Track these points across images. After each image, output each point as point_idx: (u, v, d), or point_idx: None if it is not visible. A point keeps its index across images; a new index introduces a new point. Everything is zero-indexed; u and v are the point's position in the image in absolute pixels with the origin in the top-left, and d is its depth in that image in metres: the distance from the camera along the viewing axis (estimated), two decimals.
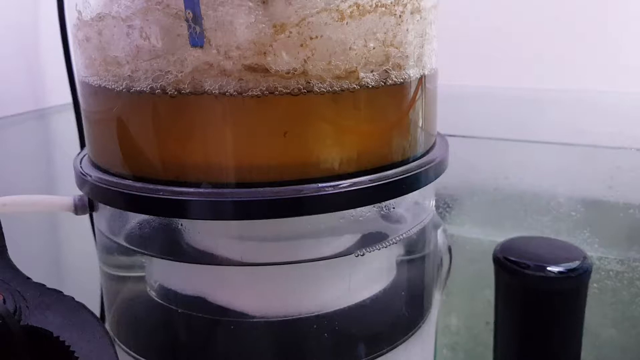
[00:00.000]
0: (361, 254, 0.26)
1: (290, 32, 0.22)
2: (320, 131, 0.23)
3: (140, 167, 0.24)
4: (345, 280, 0.27)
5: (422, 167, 0.26)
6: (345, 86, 0.23)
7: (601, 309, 0.47)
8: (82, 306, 0.23)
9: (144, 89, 0.23)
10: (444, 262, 0.32)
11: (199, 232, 0.26)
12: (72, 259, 0.56)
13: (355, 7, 0.23)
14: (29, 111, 0.69)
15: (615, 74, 0.75)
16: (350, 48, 0.23)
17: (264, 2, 0.21)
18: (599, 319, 0.45)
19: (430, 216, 0.30)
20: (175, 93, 0.22)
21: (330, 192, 0.23)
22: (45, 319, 0.22)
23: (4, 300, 0.22)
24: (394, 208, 0.28)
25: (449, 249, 0.32)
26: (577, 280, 0.31)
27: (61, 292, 0.24)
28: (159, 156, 0.24)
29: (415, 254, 0.31)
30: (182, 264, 0.28)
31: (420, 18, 0.25)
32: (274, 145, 0.23)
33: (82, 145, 0.39)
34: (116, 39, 0.23)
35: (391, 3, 0.24)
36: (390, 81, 0.24)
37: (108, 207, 0.27)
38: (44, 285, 0.24)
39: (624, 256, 0.53)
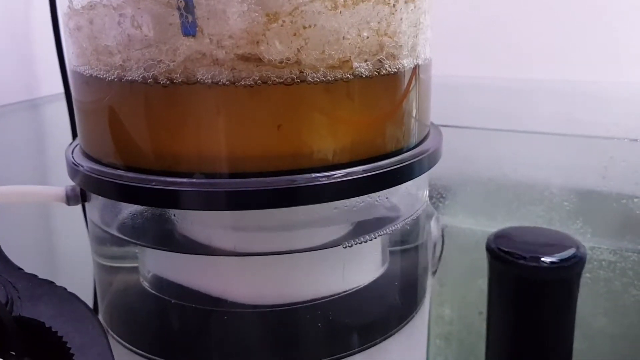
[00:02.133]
0: (349, 245, 0.26)
1: (284, 21, 0.22)
2: (313, 121, 0.23)
3: (132, 157, 0.24)
4: (338, 269, 0.27)
5: (415, 158, 0.26)
6: (339, 76, 0.23)
7: (593, 298, 0.47)
8: (75, 297, 0.23)
9: (136, 79, 0.23)
10: (437, 248, 0.32)
11: (192, 222, 0.26)
12: (65, 249, 0.56)
13: None
14: (21, 101, 0.68)
15: (609, 64, 0.75)
16: (343, 37, 0.23)
17: None
18: (591, 308, 0.45)
19: (423, 206, 0.30)
20: (168, 82, 0.22)
21: (324, 182, 0.23)
22: (37, 310, 0.22)
23: None
24: (387, 198, 0.28)
25: (442, 235, 0.32)
26: (570, 270, 0.31)
27: (53, 282, 0.24)
28: (151, 146, 0.24)
29: (409, 244, 0.31)
30: (175, 254, 0.27)
31: (414, 7, 0.25)
32: (267, 135, 0.23)
33: (74, 135, 0.39)
34: (107, 28, 0.23)
35: None
36: (384, 71, 0.24)
37: (100, 197, 0.27)
38: (36, 276, 0.24)
39: (616, 246, 0.54)
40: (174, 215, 0.26)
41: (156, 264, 0.29)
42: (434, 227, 0.31)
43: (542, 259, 0.31)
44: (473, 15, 0.80)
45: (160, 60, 0.22)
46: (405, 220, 0.28)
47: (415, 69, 0.26)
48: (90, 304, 0.23)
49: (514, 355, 0.33)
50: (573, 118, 0.74)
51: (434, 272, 0.33)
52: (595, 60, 0.76)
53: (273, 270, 0.27)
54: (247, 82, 0.22)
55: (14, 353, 0.21)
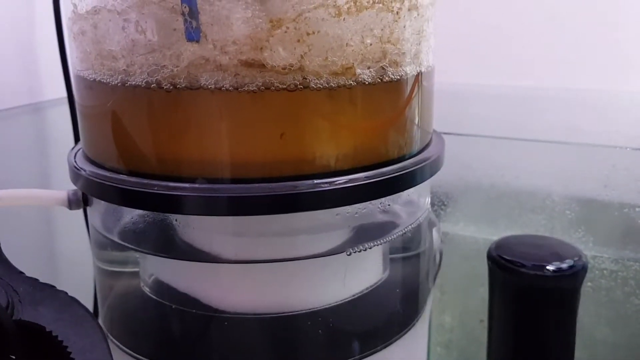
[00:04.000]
0: (348, 253, 0.26)
1: (287, 28, 0.22)
2: (316, 127, 0.23)
3: (134, 161, 0.24)
4: (339, 276, 0.27)
5: (418, 165, 0.26)
6: (342, 82, 0.23)
7: (595, 308, 0.47)
8: (75, 301, 0.23)
9: (139, 84, 0.23)
10: (436, 260, 0.32)
11: (194, 228, 0.26)
12: (66, 253, 0.56)
13: (352, 3, 0.22)
14: (24, 105, 0.69)
15: (612, 73, 0.75)
16: (347, 44, 0.23)
17: None
18: (593, 317, 0.45)
19: (425, 214, 0.30)
20: (171, 88, 0.22)
21: (326, 188, 0.23)
22: (37, 314, 0.22)
23: None
24: (389, 205, 0.28)
25: (440, 250, 0.32)
26: (572, 279, 0.31)
27: (54, 286, 0.24)
28: (153, 151, 0.24)
29: (410, 252, 0.31)
30: (176, 260, 0.27)
31: (418, 15, 0.25)
32: (270, 141, 0.23)
33: (77, 139, 0.39)
34: (111, 33, 0.23)
35: None
36: (386, 78, 0.24)
37: (102, 201, 0.27)
38: (37, 279, 0.24)
39: (618, 255, 0.53)
40: (176, 220, 0.26)
41: (157, 269, 0.29)
42: (435, 240, 0.31)
43: (544, 267, 0.31)
44: (476, 23, 0.80)
45: (164, 65, 0.22)
46: (407, 228, 0.28)
47: (418, 76, 0.26)
48: (91, 308, 0.23)
49: None
50: (575, 126, 0.74)
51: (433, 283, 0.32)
52: (598, 69, 0.76)
53: (274, 277, 0.27)
54: (250, 88, 0.22)
55: (14, 357, 0.21)
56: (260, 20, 0.21)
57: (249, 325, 0.27)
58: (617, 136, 0.71)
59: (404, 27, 0.24)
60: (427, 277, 0.32)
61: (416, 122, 0.27)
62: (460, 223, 0.62)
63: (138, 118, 0.24)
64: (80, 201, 0.28)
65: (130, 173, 0.24)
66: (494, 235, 0.35)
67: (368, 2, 0.23)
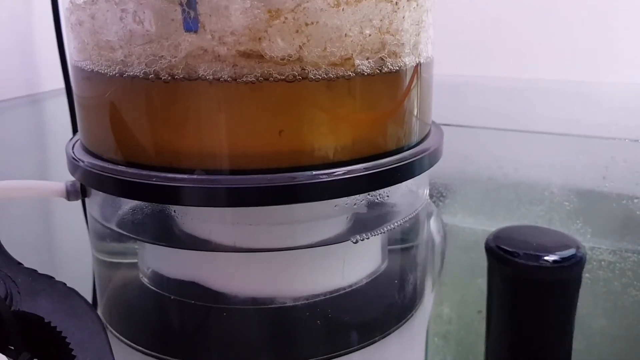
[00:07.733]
0: (355, 240, 0.26)
1: (286, 18, 0.22)
2: (315, 118, 0.23)
3: (133, 152, 0.24)
4: (338, 267, 0.27)
5: (416, 156, 0.26)
6: (341, 73, 0.23)
7: (593, 299, 0.47)
8: (74, 292, 0.23)
9: (137, 74, 0.23)
10: (437, 249, 0.32)
11: (192, 218, 0.26)
12: (64, 244, 0.56)
13: None
14: (22, 96, 0.68)
15: (610, 64, 0.75)
16: (345, 35, 0.23)
17: None
18: (590, 309, 0.46)
19: (423, 205, 0.30)
20: (169, 78, 0.22)
21: (325, 179, 0.23)
22: (36, 305, 0.22)
23: None
24: (388, 196, 0.28)
25: (444, 237, 0.32)
26: (570, 270, 0.31)
27: (53, 277, 0.24)
28: (152, 142, 0.24)
29: (409, 243, 0.31)
30: (174, 250, 0.27)
31: (417, 5, 0.25)
32: (268, 132, 0.23)
33: (75, 130, 0.39)
34: (109, 23, 0.23)
35: None
36: (385, 69, 0.24)
37: (100, 192, 0.27)
38: (35, 270, 0.24)
39: (616, 247, 0.54)
40: (174, 211, 0.26)
41: (156, 259, 0.29)
42: (436, 235, 0.31)
43: (542, 258, 0.31)
44: (474, 15, 0.80)
45: (162, 55, 0.22)
46: (405, 219, 0.28)
47: (417, 67, 0.26)
48: (90, 299, 0.23)
49: (512, 355, 0.33)
50: (574, 118, 0.74)
51: (438, 277, 0.32)
52: (596, 61, 0.76)
53: (273, 267, 0.27)
54: (249, 79, 0.22)
55: (13, 347, 0.21)
56: (259, 10, 0.21)
57: (247, 315, 0.27)
58: (615, 128, 0.71)
59: (403, 17, 0.24)
60: (425, 268, 0.32)
61: (415, 113, 0.27)
62: (458, 214, 0.62)
63: (136, 109, 0.24)
64: (79, 192, 0.28)
65: (129, 164, 0.24)
66: (493, 226, 0.35)
67: None
